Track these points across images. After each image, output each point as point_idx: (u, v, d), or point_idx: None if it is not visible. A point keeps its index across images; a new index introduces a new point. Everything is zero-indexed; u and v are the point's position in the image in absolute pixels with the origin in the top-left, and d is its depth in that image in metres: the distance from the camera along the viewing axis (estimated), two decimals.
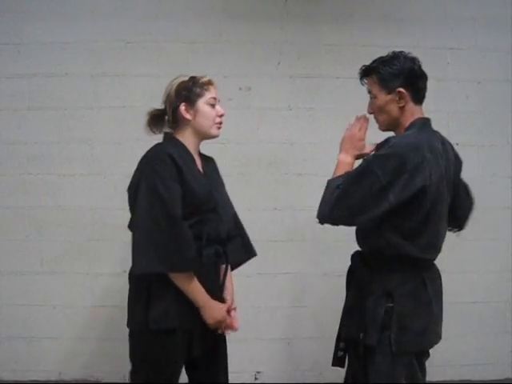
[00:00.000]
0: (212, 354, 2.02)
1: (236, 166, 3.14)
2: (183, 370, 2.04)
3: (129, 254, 1.91)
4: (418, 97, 1.96)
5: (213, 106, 2.04)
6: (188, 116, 2.00)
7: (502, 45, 3.21)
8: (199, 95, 2.01)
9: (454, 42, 3.20)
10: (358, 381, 1.95)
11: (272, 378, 3.14)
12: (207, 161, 2.15)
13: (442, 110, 3.01)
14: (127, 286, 2.00)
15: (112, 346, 2.90)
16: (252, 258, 2.23)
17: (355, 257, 2.06)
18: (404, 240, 1.85)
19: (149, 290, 1.90)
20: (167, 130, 2.07)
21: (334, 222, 1.90)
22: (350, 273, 2.07)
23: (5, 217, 3.08)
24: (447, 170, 1.91)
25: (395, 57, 1.95)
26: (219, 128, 2.06)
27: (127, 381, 2.13)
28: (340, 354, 2.02)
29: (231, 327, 2.03)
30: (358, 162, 1.97)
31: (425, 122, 1.95)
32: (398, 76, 1.91)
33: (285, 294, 3.16)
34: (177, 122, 2.03)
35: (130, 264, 1.93)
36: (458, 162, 2.03)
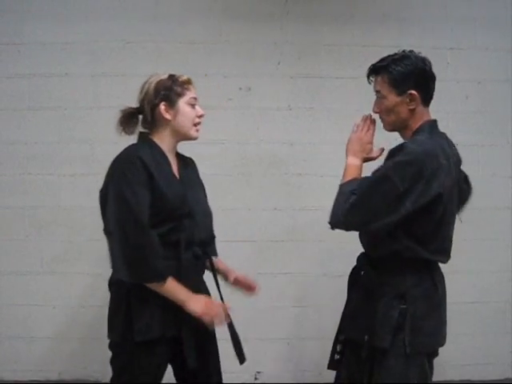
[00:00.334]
0: (202, 356, 1.96)
1: (236, 166, 3.14)
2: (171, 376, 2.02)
3: None
4: (428, 98, 1.93)
5: (193, 106, 1.96)
6: (168, 116, 1.92)
7: (502, 45, 3.21)
8: (180, 95, 1.93)
9: (454, 42, 3.20)
10: (356, 382, 1.95)
11: (272, 378, 3.14)
12: (185, 162, 2.06)
13: (442, 110, 2.98)
14: None
15: None
16: None
17: (361, 259, 2.03)
18: (417, 245, 1.84)
19: (128, 298, 1.85)
20: (141, 129, 1.99)
21: (348, 228, 1.88)
22: (354, 274, 2.05)
23: (5, 217, 3.08)
24: (456, 174, 1.91)
25: (407, 56, 1.91)
26: (198, 130, 1.98)
27: None
28: (337, 357, 2.01)
29: (223, 316, 1.88)
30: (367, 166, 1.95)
31: (433, 125, 1.94)
32: (410, 77, 1.87)
33: (285, 294, 3.16)
34: (155, 122, 1.94)
35: None
36: (459, 163, 2.03)
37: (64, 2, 3.09)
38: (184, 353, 1.87)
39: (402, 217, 1.79)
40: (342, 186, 1.90)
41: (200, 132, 2.00)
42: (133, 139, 2.00)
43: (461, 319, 3.06)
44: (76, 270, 3.07)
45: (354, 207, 1.82)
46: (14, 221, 3.08)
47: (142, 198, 1.80)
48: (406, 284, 1.87)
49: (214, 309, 1.86)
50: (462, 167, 2.02)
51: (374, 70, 1.94)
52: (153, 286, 1.82)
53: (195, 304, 1.83)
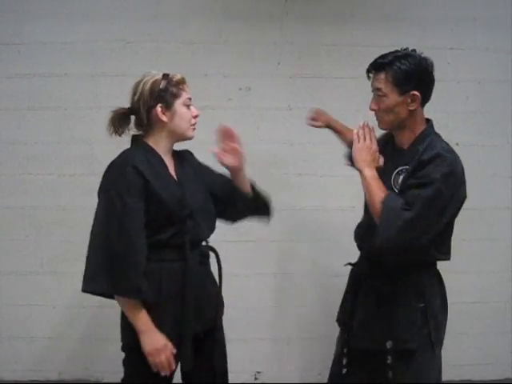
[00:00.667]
0: (206, 359, 1.96)
1: None
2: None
3: None
4: (426, 100, 1.90)
5: (188, 106, 1.92)
6: (164, 118, 1.88)
7: (502, 45, 3.21)
8: (176, 96, 1.89)
9: (454, 42, 3.20)
10: None
11: (272, 378, 3.14)
12: (182, 159, 2.02)
13: (442, 110, 3.01)
14: None
15: (112, 346, 2.89)
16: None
17: (364, 266, 1.99)
18: (433, 247, 1.85)
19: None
20: (134, 131, 1.96)
21: (401, 245, 1.77)
22: (356, 284, 2.01)
23: (5, 217, 3.08)
24: None
25: (410, 55, 1.85)
26: (194, 129, 1.95)
27: None
28: (344, 370, 1.97)
29: (167, 366, 1.82)
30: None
31: (433, 125, 1.93)
32: (413, 77, 1.82)
33: (284, 293, 3.16)
34: (150, 124, 1.90)
35: None
36: None
37: (64, 1, 3.09)
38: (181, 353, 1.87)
39: (443, 225, 1.80)
40: (385, 203, 1.79)
41: (196, 131, 1.98)
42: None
43: (461, 319, 3.06)
44: (76, 270, 3.01)
45: (411, 223, 1.74)
46: (14, 221, 3.08)
47: (132, 208, 1.78)
48: (423, 283, 1.88)
49: (161, 356, 1.80)
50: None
51: (377, 67, 1.86)
52: (122, 301, 1.81)
53: (148, 340, 1.79)
